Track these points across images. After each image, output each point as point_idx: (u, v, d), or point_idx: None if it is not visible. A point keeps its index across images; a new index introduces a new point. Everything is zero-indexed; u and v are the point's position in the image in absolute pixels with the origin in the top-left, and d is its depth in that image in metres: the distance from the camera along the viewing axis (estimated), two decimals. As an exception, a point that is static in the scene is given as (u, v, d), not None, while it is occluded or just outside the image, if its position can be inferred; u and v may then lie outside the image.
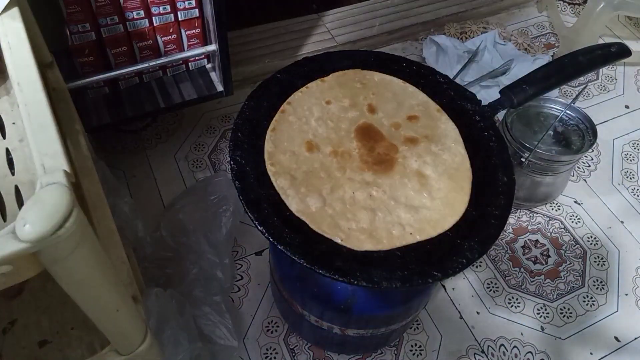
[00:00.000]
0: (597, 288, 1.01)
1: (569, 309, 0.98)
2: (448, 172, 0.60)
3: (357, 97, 0.66)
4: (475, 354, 0.92)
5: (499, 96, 0.67)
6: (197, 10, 0.96)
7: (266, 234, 0.53)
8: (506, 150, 0.63)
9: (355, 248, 0.54)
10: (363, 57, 0.72)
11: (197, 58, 1.06)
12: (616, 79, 1.39)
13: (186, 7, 0.95)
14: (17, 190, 0.43)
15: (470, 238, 0.55)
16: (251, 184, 0.58)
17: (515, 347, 0.93)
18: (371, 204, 0.56)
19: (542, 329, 0.96)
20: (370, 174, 0.59)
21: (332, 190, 0.57)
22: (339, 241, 0.54)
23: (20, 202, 0.42)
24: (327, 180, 0.58)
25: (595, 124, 1.02)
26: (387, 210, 0.56)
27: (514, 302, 0.98)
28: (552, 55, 1.41)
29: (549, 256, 1.05)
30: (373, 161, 0.60)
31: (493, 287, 1.00)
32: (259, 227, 0.54)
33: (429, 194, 0.58)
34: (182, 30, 0.99)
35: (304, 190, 0.57)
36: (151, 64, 0.98)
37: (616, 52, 0.66)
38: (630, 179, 1.18)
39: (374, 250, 0.54)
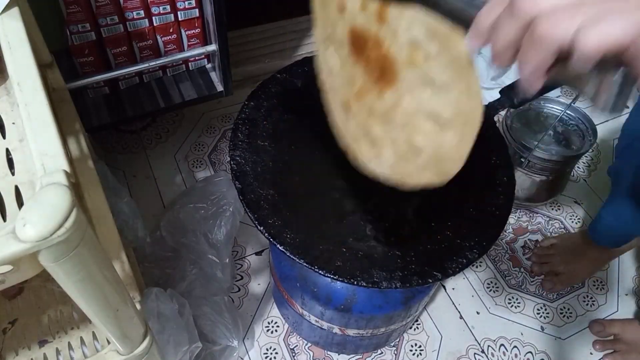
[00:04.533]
0: (597, 288, 1.01)
1: (569, 309, 0.98)
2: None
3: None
4: (475, 354, 0.92)
5: (499, 96, 0.67)
6: (197, 10, 0.96)
7: (266, 234, 0.53)
8: (506, 150, 0.63)
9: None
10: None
11: (197, 58, 1.06)
12: (616, 79, 1.39)
13: (186, 7, 0.95)
14: (17, 190, 0.43)
15: (470, 238, 0.55)
16: (251, 184, 0.58)
17: (515, 347, 0.93)
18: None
19: (542, 329, 0.96)
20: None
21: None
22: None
23: (20, 202, 0.42)
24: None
25: (595, 124, 1.02)
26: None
27: (514, 302, 0.98)
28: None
29: (549, 256, 1.05)
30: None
31: (493, 287, 1.00)
32: (259, 227, 0.54)
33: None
34: (182, 30, 0.99)
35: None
36: (151, 64, 0.98)
37: None
38: (630, 179, 1.19)
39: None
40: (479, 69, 0.41)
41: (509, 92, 0.66)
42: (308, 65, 0.70)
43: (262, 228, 0.54)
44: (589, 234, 0.98)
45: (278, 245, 0.53)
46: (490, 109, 0.66)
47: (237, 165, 0.59)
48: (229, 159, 0.60)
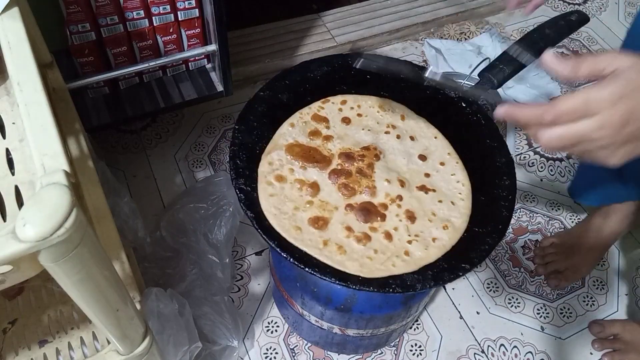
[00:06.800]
0: (597, 288, 1.01)
1: (569, 309, 0.98)
2: None
3: None
4: (475, 354, 0.92)
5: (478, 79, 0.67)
6: (197, 10, 0.96)
7: (265, 236, 0.53)
8: (497, 131, 0.63)
9: None
10: (340, 61, 0.70)
11: (197, 58, 1.06)
12: (616, 79, 1.39)
13: (186, 7, 0.95)
14: (17, 190, 0.43)
15: (484, 228, 0.55)
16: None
17: (515, 347, 0.93)
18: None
19: (542, 329, 0.96)
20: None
21: None
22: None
23: (20, 202, 0.42)
24: None
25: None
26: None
27: (514, 302, 0.98)
28: (552, 55, 1.40)
29: (549, 256, 1.05)
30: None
31: (493, 287, 1.00)
32: (258, 228, 0.54)
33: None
34: (182, 30, 0.99)
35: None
36: (151, 64, 0.98)
37: (577, 20, 0.67)
38: (630, 179, 1.18)
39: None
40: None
41: (487, 74, 0.65)
42: (288, 77, 0.69)
43: (261, 230, 0.54)
44: (569, 191, 1.02)
45: (278, 249, 0.52)
46: (474, 94, 0.66)
47: (237, 166, 0.59)
48: (229, 159, 0.60)
